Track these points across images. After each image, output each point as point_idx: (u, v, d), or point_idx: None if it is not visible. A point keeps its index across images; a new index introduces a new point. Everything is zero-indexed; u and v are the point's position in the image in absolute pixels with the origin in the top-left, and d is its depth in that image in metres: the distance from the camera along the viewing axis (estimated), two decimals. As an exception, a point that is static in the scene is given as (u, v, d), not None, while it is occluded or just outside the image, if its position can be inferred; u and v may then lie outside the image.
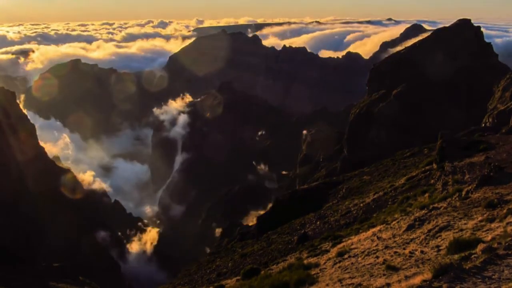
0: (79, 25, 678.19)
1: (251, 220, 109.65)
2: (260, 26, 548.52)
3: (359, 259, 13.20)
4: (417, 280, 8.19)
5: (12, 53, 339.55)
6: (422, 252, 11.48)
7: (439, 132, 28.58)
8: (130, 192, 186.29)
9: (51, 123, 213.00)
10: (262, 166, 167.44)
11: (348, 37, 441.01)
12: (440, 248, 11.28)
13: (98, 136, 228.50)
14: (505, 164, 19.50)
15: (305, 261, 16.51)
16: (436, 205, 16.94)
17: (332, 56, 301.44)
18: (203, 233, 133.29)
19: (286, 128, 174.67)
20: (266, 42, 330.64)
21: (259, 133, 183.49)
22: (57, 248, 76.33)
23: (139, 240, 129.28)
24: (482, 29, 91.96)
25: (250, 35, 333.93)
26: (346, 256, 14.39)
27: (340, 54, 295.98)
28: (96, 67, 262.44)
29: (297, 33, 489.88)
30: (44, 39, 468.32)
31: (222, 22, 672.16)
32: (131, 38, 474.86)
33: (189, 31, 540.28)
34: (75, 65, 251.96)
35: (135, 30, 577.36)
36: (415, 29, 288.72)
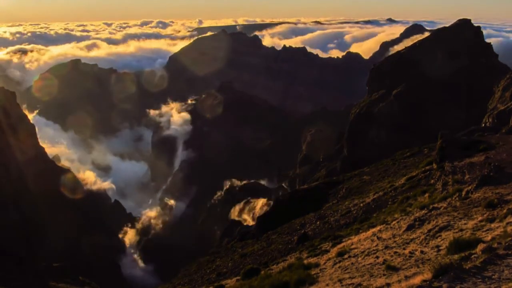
0: (79, 25, 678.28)
1: (251, 220, 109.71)
2: (261, 26, 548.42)
3: (359, 259, 13.20)
4: (417, 280, 8.19)
5: (12, 53, 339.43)
6: (422, 252, 11.48)
7: (439, 132, 28.57)
8: (130, 192, 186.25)
9: (51, 123, 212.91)
10: (262, 166, 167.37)
11: (348, 37, 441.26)
12: (440, 248, 11.28)
13: (98, 135, 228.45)
14: (505, 164, 19.50)
15: (305, 261, 16.51)
16: (436, 205, 16.94)
17: (332, 56, 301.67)
18: (203, 233, 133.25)
19: (286, 128, 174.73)
20: (266, 42, 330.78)
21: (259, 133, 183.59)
22: (57, 248, 76.36)
23: (139, 239, 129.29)
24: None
25: (250, 35, 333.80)
26: (346, 256, 14.39)
27: (340, 54, 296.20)
28: (96, 67, 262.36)
29: (297, 33, 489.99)
30: (44, 39, 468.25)
31: (223, 22, 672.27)
32: (131, 38, 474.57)
33: (189, 31, 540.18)
34: (75, 65, 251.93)
35: (135, 30, 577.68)
36: (415, 29, 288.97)
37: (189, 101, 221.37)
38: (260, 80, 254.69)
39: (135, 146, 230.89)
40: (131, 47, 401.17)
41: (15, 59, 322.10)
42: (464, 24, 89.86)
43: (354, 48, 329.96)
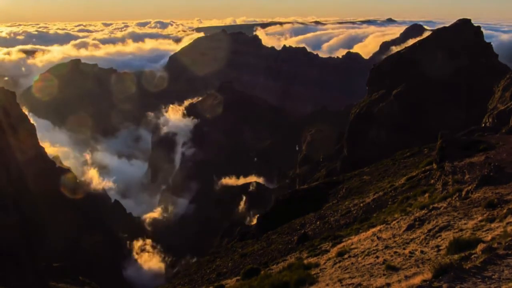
0: (79, 25, 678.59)
1: (251, 220, 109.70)
2: (261, 26, 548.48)
3: (359, 259, 13.20)
4: (417, 280, 8.18)
5: (12, 53, 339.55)
6: (422, 252, 11.48)
7: (439, 132, 28.57)
8: (130, 192, 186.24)
9: (51, 123, 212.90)
10: (262, 166, 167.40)
11: (348, 37, 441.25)
12: (440, 248, 11.28)
13: (98, 135, 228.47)
14: (505, 164, 19.50)
15: (305, 261, 16.50)
16: (436, 205, 16.94)
17: (332, 56, 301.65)
18: (203, 233, 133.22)
19: (286, 128, 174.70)
20: (266, 42, 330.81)
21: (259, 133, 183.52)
22: (57, 248, 76.38)
23: (139, 239, 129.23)
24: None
25: (250, 35, 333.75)
26: (346, 256, 14.38)
27: (340, 54, 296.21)
28: (96, 67, 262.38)
29: (297, 33, 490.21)
30: (44, 39, 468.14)
31: (223, 22, 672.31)
32: (131, 38, 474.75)
33: (189, 31, 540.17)
34: (75, 65, 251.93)
35: (135, 30, 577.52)
36: (415, 29, 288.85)
37: (189, 101, 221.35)
38: (260, 80, 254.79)
39: (135, 146, 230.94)
40: (131, 47, 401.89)
41: (15, 59, 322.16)
42: (464, 24, 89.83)
43: (354, 48, 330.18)
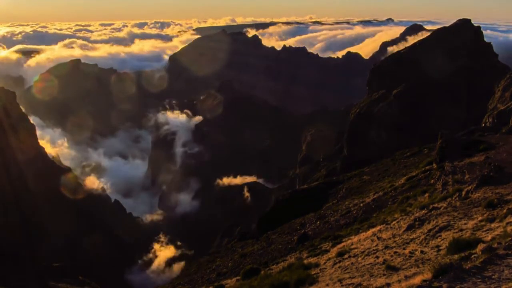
0: (79, 25, 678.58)
1: (251, 220, 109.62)
2: (261, 26, 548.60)
3: (359, 259, 13.20)
4: (417, 280, 8.19)
5: (12, 53, 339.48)
6: (422, 252, 11.48)
7: (439, 132, 28.59)
8: (130, 192, 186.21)
9: (51, 123, 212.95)
10: (262, 166, 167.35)
11: (348, 37, 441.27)
12: (440, 248, 11.28)
13: (98, 135, 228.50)
14: (505, 164, 19.50)
15: (305, 261, 16.51)
16: (436, 205, 16.94)
17: (332, 56, 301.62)
18: (203, 233, 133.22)
19: (286, 128, 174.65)
20: (266, 42, 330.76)
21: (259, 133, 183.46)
22: (57, 248, 76.37)
23: (139, 239, 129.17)
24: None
25: (250, 35, 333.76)
26: (346, 256, 14.39)
27: (340, 54, 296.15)
28: (96, 67, 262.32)
29: (297, 33, 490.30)
30: (44, 39, 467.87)
31: (222, 22, 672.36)
32: (131, 38, 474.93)
33: (189, 31, 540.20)
34: (75, 65, 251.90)
35: (135, 30, 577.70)
36: (415, 29, 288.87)
37: (189, 101, 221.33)
38: (260, 80, 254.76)
39: (135, 145, 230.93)
40: (131, 47, 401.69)
41: (15, 59, 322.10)
42: (464, 24, 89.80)
43: (354, 48, 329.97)
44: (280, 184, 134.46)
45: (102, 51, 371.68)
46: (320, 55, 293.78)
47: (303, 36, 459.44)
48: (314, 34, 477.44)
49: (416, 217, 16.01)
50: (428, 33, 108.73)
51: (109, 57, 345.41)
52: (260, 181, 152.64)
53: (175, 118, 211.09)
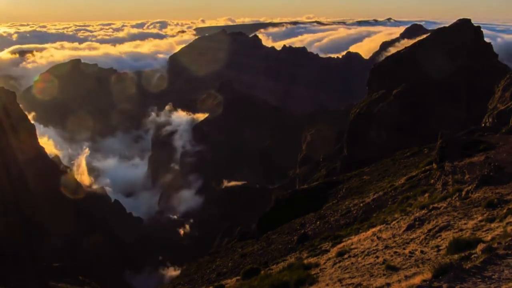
0: (79, 25, 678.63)
1: (251, 220, 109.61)
2: (261, 26, 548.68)
3: (359, 259, 13.20)
4: (417, 280, 8.19)
5: (12, 53, 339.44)
6: (422, 252, 11.48)
7: (439, 132, 28.60)
8: (130, 192, 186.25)
9: (50, 123, 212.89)
10: (262, 166, 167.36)
11: (348, 37, 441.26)
12: (440, 248, 11.28)
13: (98, 135, 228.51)
14: (505, 164, 19.51)
15: (305, 261, 16.51)
16: (436, 205, 16.95)
17: (332, 56, 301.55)
18: (202, 233, 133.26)
19: (286, 128, 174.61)
20: (266, 42, 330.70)
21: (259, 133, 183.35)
22: (57, 248, 76.37)
23: (139, 239, 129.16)
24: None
25: (250, 35, 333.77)
26: (346, 256, 14.39)
27: (340, 54, 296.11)
28: (96, 67, 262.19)
29: (298, 33, 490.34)
30: (44, 39, 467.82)
31: (222, 22, 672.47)
32: (131, 38, 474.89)
33: (189, 31, 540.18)
34: (75, 65, 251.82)
35: (135, 30, 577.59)
36: (415, 29, 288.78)
37: (189, 101, 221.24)
38: (260, 80, 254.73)
39: (135, 146, 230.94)
40: (131, 47, 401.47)
41: (15, 59, 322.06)
42: (464, 24, 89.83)
43: (354, 48, 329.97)
44: (280, 184, 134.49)
45: (102, 51, 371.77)
46: (320, 55, 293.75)
47: (303, 36, 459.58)
48: (314, 34, 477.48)
49: (416, 217, 16.02)
50: (428, 33, 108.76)
51: (109, 57, 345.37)
52: (260, 181, 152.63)
53: (175, 118, 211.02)
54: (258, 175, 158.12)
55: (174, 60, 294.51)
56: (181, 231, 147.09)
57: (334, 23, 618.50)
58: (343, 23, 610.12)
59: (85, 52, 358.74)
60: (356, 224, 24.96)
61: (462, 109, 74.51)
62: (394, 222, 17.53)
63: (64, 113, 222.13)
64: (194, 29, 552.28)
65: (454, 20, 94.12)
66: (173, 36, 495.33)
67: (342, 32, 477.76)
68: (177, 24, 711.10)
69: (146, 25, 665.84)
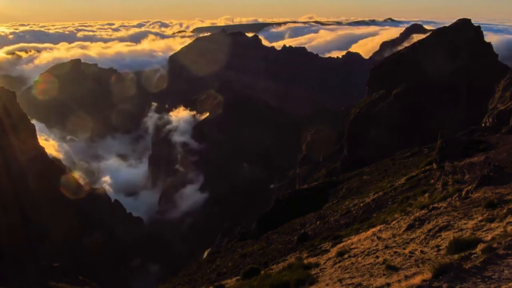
0: (79, 25, 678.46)
1: (251, 220, 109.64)
2: (260, 26, 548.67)
3: (359, 259, 13.20)
4: (417, 280, 8.20)
5: (12, 53, 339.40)
6: (422, 252, 11.49)
7: (439, 132, 28.61)
8: (130, 192, 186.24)
9: (50, 123, 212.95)
10: (262, 166, 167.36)
11: (348, 37, 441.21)
12: (440, 248, 11.29)
13: (98, 135, 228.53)
14: (505, 164, 19.52)
15: (305, 261, 16.51)
16: (436, 205, 16.95)
17: (332, 56, 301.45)
18: (203, 233, 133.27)
19: (286, 128, 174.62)
20: (266, 42, 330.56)
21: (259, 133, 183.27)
22: (57, 248, 76.37)
23: (139, 239, 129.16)
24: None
25: (250, 35, 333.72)
26: (346, 256, 14.39)
27: (340, 54, 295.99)
28: (96, 67, 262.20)
29: (297, 33, 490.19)
30: (44, 39, 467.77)
31: (222, 22, 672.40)
32: (131, 38, 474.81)
33: (189, 31, 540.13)
34: (75, 65, 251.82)
35: (135, 30, 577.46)
36: (415, 29, 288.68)
37: (189, 101, 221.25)
38: (260, 80, 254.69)
39: (135, 145, 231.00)
40: (131, 47, 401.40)
41: (15, 59, 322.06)
42: (464, 24, 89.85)
43: (354, 48, 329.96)
44: (280, 184, 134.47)
45: (102, 51, 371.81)
46: (320, 55, 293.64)
47: (303, 36, 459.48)
48: (314, 34, 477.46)
49: (416, 217, 16.02)
50: (428, 33, 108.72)
51: (109, 57, 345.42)
52: (260, 181, 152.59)
53: (175, 118, 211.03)
54: (258, 175, 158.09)
55: (174, 60, 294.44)
56: (181, 231, 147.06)
57: (334, 23, 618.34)
58: (343, 23, 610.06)
59: (85, 52, 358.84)
60: (356, 224, 24.95)
61: (462, 109, 74.54)
62: (394, 222, 17.53)
63: (64, 113, 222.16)
64: (194, 29, 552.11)
65: (454, 20, 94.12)
66: (173, 36, 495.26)
67: (342, 32, 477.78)
68: (177, 24, 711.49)
69: (146, 25, 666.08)
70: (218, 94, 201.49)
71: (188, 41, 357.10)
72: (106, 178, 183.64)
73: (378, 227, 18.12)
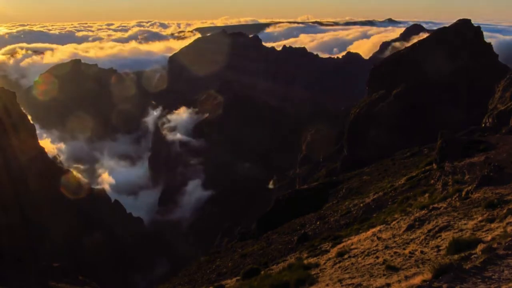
0: (79, 25, 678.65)
1: (251, 220, 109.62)
2: (261, 26, 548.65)
3: (359, 259, 13.20)
4: (417, 280, 8.20)
5: (12, 53, 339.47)
6: (422, 252, 11.49)
7: (439, 132, 28.62)
8: (130, 192, 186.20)
9: (50, 123, 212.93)
10: (262, 166, 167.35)
11: (348, 37, 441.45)
12: (440, 248, 11.29)
13: (98, 135, 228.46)
14: (505, 164, 19.51)
15: (305, 261, 16.51)
16: (436, 205, 16.95)
17: (332, 56, 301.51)
18: (203, 233, 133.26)
19: (286, 128, 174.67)
20: (266, 42, 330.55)
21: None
22: (57, 248, 76.39)
23: (139, 239, 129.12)
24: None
25: (250, 35, 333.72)
26: (346, 256, 14.39)
27: (340, 54, 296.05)
28: (96, 67, 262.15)
29: (297, 33, 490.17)
30: (44, 39, 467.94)
31: (222, 22, 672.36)
32: (131, 38, 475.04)
33: (189, 31, 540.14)
34: (75, 65, 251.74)
35: (135, 30, 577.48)
36: (415, 29, 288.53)
37: (189, 101, 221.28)
38: (260, 80, 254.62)
39: (135, 145, 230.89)
40: (131, 47, 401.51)
41: (15, 59, 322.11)
42: (464, 24, 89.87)
43: (354, 48, 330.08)
44: (280, 184, 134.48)
45: (102, 51, 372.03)
46: (320, 55, 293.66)
47: (303, 36, 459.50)
48: (314, 34, 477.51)
49: (416, 217, 16.02)
50: (428, 33, 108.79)
51: (109, 57, 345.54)
52: (260, 181, 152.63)
53: (175, 118, 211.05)
54: (258, 175, 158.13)
55: (174, 60, 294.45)
56: (181, 231, 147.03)
57: (334, 23, 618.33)
58: (343, 23, 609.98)
59: (85, 52, 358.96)
60: (356, 224, 24.95)
61: (462, 109, 74.56)
62: (394, 222, 17.53)
63: (64, 113, 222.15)
64: (194, 29, 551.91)
65: (454, 20, 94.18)
66: (173, 36, 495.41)
67: (342, 33, 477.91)
68: (177, 24, 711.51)
69: (146, 25, 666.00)
70: (218, 94, 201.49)
71: (188, 41, 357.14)
72: (106, 178, 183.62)
73: (378, 228, 18.12)
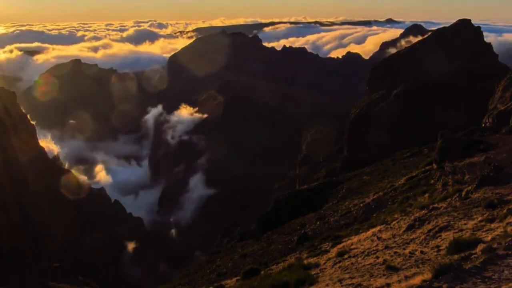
0: (79, 26, 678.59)
1: (251, 220, 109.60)
2: (261, 26, 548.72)
3: (359, 259, 13.20)
4: (417, 280, 8.20)
5: (12, 53, 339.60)
6: (422, 252, 11.49)
7: (439, 132, 28.62)
8: (130, 192, 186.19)
9: (50, 123, 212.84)
10: (262, 166, 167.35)
11: (348, 37, 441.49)
12: (440, 248, 11.29)
13: (98, 136, 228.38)
14: (505, 164, 19.50)
15: (305, 261, 16.52)
16: (436, 205, 16.95)
17: (332, 56, 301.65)
18: (203, 233, 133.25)
19: (286, 128, 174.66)
20: (266, 42, 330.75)
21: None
22: (57, 248, 76.34)
23: (139, 240, 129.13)
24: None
25: (250, 35, 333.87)
26: (346, 256, 14.39)
27: (340, 54, 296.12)
28: (96, 67, 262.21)
29: (298, 33, 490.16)
30: (44, 39, 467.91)
31: (222, 22, 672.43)
32: (131, 38, 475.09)
33: (189, 31, 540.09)
34: (75, 65, 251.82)
35: (135, 30, 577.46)
36: (415, 29, 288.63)
37: (189, 102, 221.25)
38: (260, 80, 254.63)
39: (135, 146, 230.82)
40: (131, 47, 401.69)
41: (15, 59, 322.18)
42: (464, 24, 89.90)
43: (354, 49, 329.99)
44: (280, 184, 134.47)
45: (102, 51, 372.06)
46: (320, 55, 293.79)
47: (303, 36, 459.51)
48: (314, 34, 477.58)
49: (416, 217, 16.02)
50: (428, 33, 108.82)
51: (109, 57, 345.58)
52: (260, 181, 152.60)
53: (175, 118, 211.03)
54: (258, 175, 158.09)
55: (174, 60, 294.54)
56: (181, 231, 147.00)
57: (334, 23, 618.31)
58: (343, 23, 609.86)
59: (85, 52, 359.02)
60: (356, 224, 24.96)
61: (462, 109, 74.56)
62: (394, 223, 17.53)
63: (64, 113, 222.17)
64: (194, 30, 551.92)
65: (454, 20, 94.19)
66: (173, 36, 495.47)
67: (341, 33, 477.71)
68: (177, 24, 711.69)
69: (145, 25, 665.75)
70: (218, 94, 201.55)
71: (188, 41, 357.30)
72: (106, 178, 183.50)
73: (378, 228, 18.12)
